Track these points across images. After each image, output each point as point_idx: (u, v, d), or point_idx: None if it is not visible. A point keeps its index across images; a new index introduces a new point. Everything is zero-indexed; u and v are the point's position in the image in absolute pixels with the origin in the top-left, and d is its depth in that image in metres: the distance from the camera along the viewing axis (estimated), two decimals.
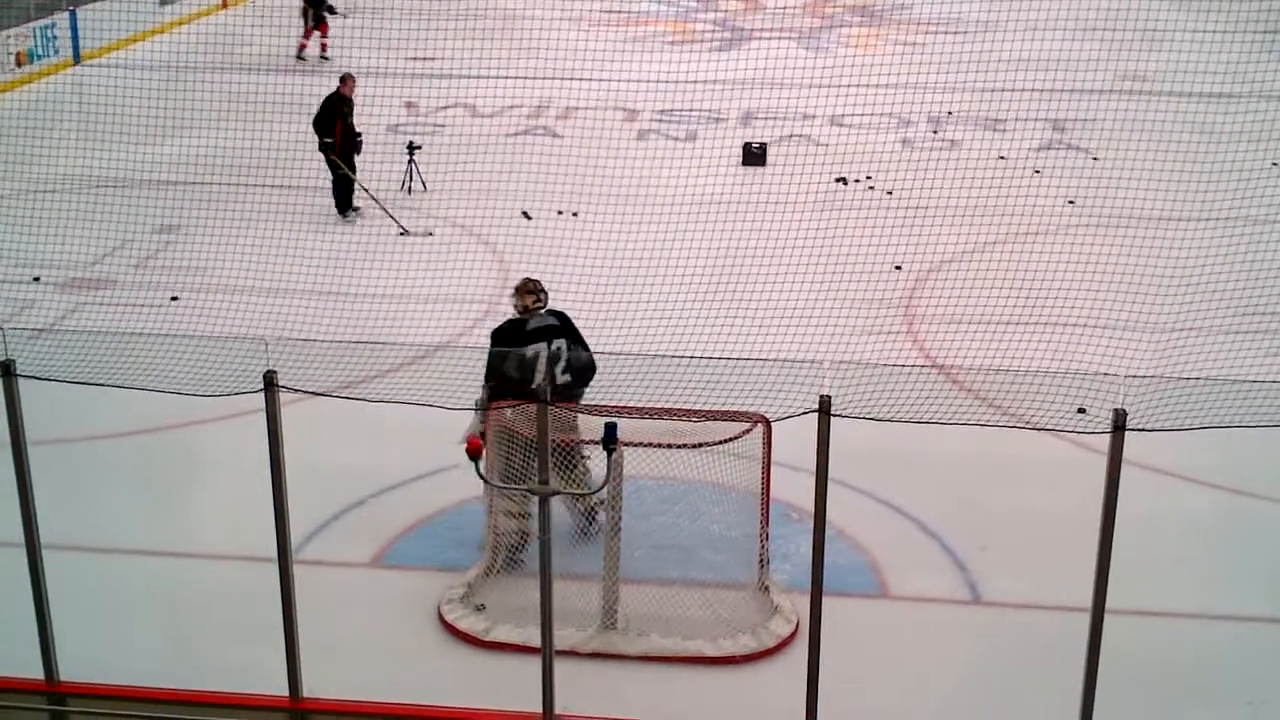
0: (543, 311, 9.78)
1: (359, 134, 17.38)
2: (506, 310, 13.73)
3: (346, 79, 17.45)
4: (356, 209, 17.31)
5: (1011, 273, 13.27)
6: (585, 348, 9.70)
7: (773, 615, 8.94)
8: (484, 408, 9.17)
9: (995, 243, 15.73)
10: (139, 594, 9.40)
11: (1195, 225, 16.02)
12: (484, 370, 9.52)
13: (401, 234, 16.56)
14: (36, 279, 14.90)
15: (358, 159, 17.42)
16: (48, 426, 9.33)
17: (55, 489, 9.33)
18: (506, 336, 9.71)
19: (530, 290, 9.82)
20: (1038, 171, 18.44)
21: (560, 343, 9.60)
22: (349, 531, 10.12)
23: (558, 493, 7.33)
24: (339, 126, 17.05)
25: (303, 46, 25.92)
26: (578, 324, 9.88)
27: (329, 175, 17.23)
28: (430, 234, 16.44)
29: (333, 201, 17.32)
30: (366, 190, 17.24)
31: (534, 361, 9.46)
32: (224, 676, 8.36)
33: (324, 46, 26.07)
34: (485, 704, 8.12)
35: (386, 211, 16.92)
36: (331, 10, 26.16)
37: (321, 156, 17.13)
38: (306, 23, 26.21)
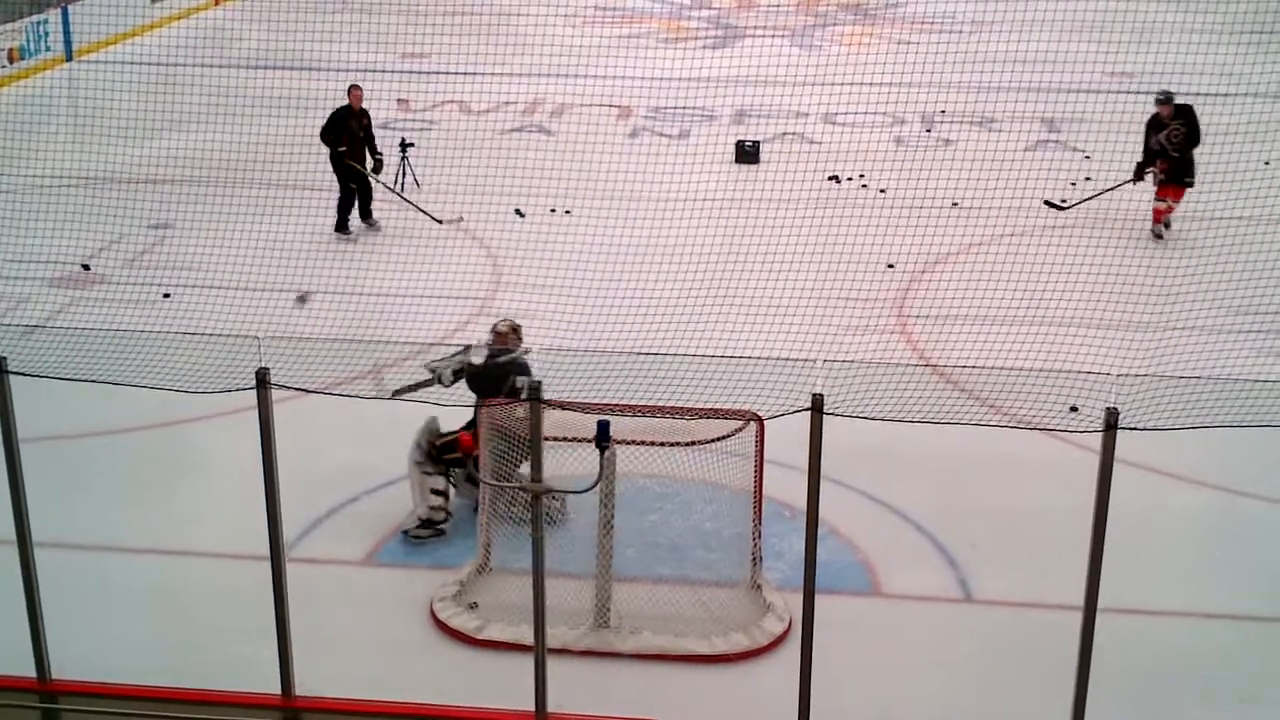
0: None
1: (380, 154, 16.69)
2: (500, 308, 13.75)
3: (352, 89, 16.61)
4: (373, 222, 16.73)
5: (1004, 271, 13.26)
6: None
7: (765, 613, 8.95)
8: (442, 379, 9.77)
9: (988, 241, 15.74)
10: (131, 592, 9.38)
11: (1188, 224, 16.06)
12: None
13: (439, 224, 16.40)
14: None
15: (373, 182, 16.75)
16: (39, 424, 9.31)
17: (47, 486, 9.31)
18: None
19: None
20: (1031, 170, 18.43)
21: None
22: (342, 529, 10.11)
23: (550, 490, 7.34)
24: (345, 140, 16.30)
25: (1158, 215, 16.56)
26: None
27: (331, 177, 16.62)
28: (460, 219, 16.36)
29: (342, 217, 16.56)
30: (392, 190, 16.94)
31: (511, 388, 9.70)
32: (216, 674, 8.35)
33: (1163, 211, 16.59)
34: (478, 702, 8.12)
35: (417, 206, 16.66)
36: (1161, 175, 16.38)
37: (333, 167, 16.46)
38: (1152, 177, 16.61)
